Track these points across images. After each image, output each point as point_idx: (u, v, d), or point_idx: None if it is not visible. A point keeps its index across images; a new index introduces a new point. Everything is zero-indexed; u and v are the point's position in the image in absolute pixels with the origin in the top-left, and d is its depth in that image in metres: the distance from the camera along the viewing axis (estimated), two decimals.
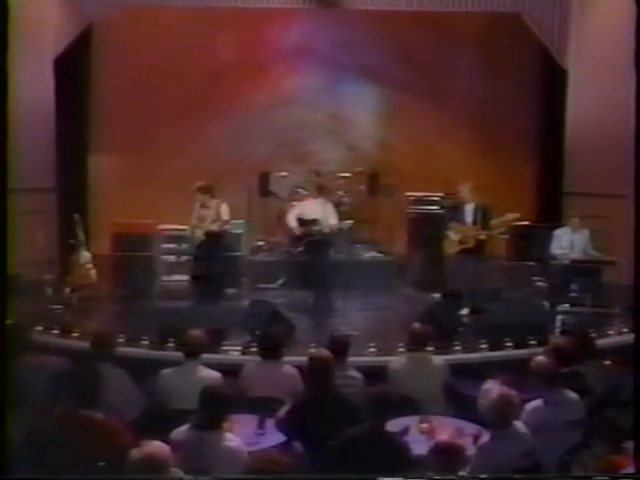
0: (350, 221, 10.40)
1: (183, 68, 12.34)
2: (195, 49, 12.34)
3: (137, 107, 12.21)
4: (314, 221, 10.00)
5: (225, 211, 9.81)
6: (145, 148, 12.46)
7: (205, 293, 9.71)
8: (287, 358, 6.61)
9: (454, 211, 9.98)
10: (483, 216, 9.66)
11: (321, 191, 10.39)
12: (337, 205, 10.88)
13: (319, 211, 10.08)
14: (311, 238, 9.96)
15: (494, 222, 9.74)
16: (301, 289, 10.34)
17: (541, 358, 5.87)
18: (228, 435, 4.89)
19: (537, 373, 5.69)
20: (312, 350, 6.63)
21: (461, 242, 9.68)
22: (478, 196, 9.76)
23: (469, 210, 9.73)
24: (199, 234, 9.72)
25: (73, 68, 11.63)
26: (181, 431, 4.91)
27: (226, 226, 9.91)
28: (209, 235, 9.70)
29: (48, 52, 11.14)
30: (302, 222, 10.13)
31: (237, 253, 10.93)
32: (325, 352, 5.91)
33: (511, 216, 9.80)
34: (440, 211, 11.46)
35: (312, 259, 9.94)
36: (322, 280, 9.93)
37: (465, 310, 9.50)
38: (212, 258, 9.71)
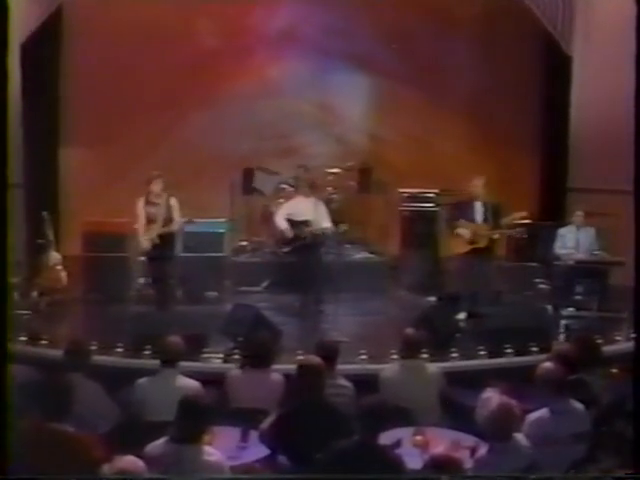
0: (345, 224, 10.32)
1: (160, 55, 12.28)
2: (173, 35, 12.29)
3: (111, 97, 12.15)
4: (305, 222, 9.90)
5: (176, 207, 9.46)
6: (119, 141, 12.42)
7: (163, 297, 9.63)
8: (272, 366, 6.60)
9: (462, 208, 9.89)
10: (494, 214, 9.63)
11: (313, 189, 10.30)
12: (326, 203, 10.86)
13: (310, 211, 9.98)
14: (302, 242, 9.86)
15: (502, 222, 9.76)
16: (287, 292, 10.35)
17: (548, 364, 5.86)
18: (208, 449, 4.87)
19: (544, 380, 5.68)
20: (301, 357, 6.61)
21: (471, 241, 9.62)
22: (489, 192, 9.72)
23: (479, 207, 9.71)
24: (150, 237, 9.34)
25: (41, 54, 11.56)
26: (157, 445, 4.88)
27: (177, 226, 9.61)
28: (162, 237, 9.39)
29: (13, 36, 11.06)
30: (292, 223, 10.01)
31: (219, 254, 10.91)
32: (316, 359, 5.89)
33: (518, 215, 9.80)
34: (436, 209, 11.49)
35: (302, 263, 9.86)
36: (312, 284, 9.88)
37: (462, 314, 9.50)
38: (166, 260, 9.56)
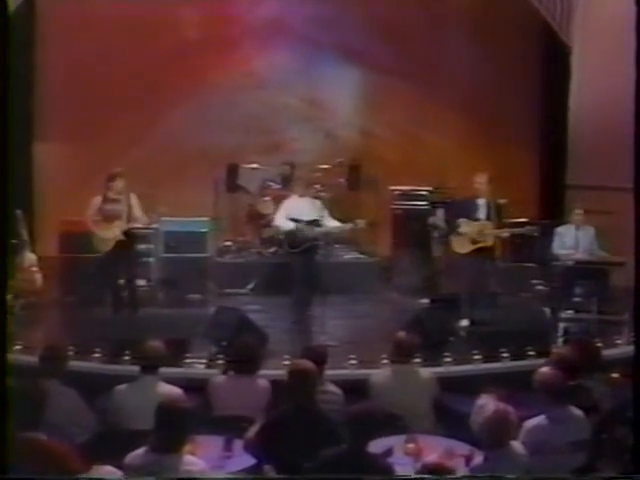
0: (363, 220, 10.14)
1: (140, 45, 12.27)
2: (154, 25, 12.28)
3: (88, 89, 12.13)
4: (315, 222, 9.68)
5: (137, 205, 9.36)
6: (97, 137, 12.38)
7: (124, 301, 9.57)
8: (258, 372, 6.59)
9: (463, 206, 9.78)
10: (497, 212, 9.56)
11: (309, 188, 10.17)
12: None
13: (309, 210, 9.79)
14: (313, 242, 9.68)
15: None
16: (274, 294, 10.33)
17: (546, 369, 5.88)
18: (190, 458, 4.86)
19: (542, 386, 5.69)
20: (291, 361, 6.60)
21: (475, 241, 9.50)
22: (494, 189, 9.65)
23: (482, 205, 9.59)
24: (113, 235, 9.26)
25: (14, 42, 11.49)
26: (137, 455, 4.87)
27: (142, 223, 9.49)
28: (128, 235, 9.31)
29: None
30: (299, 224, 9.70)
31: (202, 254, 10.89)
32: (308, 363, 5.87)
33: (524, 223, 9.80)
34: (428, 207, 11.48)
35: (305, 264, 9.74)
36: (309, 286, 9.77)
37: (465, 321, 9.43)
38: (130, 260, 9.55)
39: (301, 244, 9.65)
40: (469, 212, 9.60)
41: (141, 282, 10.41)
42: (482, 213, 9.55)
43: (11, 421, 4.35)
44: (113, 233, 9.27)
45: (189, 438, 5.00)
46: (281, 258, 10.68)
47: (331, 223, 9.90)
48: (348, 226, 10.09)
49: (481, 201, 9.58)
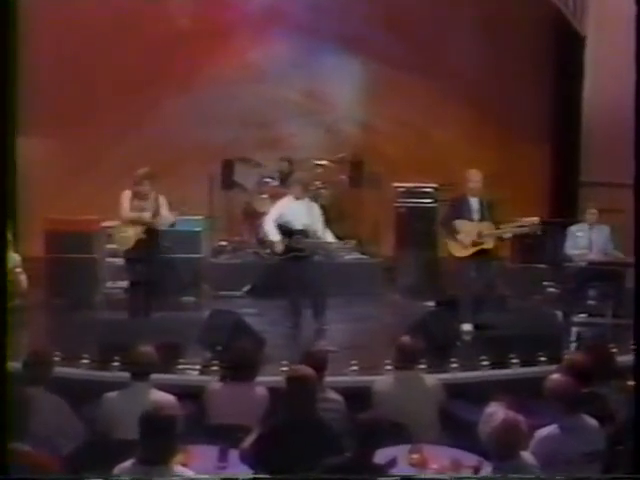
0: (353, 240, 10.06)
1: (131, 35, 12.28)
2: (145, 12, 12.29)
3: (76, 81, 12.14)
4: (304, 232, 9.46)
5: (164, 203, 9.41)
6: (86, 131, 12.39)
7: (144, 303, 9.52)
8: (255, 378, 6.59)
9: (459, 206, 9.66)
10: (490, 211, 9.47)
11: (306, 189, 10.00)
12: (314, 199, 10.73)
13: (304, 215, 9.59)
14: (298, 254, 9.45)
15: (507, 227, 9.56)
16: (271, 297, 10.32)
17: (558, 376, 5.86)
18: (181, 470, 4.84)
19: (554, 394, 5.68)
20: (289, 367, 6.58)
21: (475, 243, 9.42)
22: (493, 188, 9.57)
23: (475, 204, 9.51)
24: (135, 232, 9.29)
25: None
26: (125, 467, 4.85)
27: (167, 221, 9.54)
28: (150, 232, 9.36)
29: None
30: (285, 231, 9.53)
31: (196, 255, 10.88)
32: (307, 369, 5.85)
33: (528, 221, 9.58)
34: (434, 205, 11.46)
35: (297, 269, 9.61)
36: (302, 290, 9.70)
37: (469, 325, 9.41)
38: (152, 260, 9.51)
39: (287, 252, 9.52)
40: (464, 212, 9.53)
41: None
42: (476, 213, 9.48)
43: (12, 421, 4.36)
44: (135, 230, 9.29)
45: (179, 448, 4.97)
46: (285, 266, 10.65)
47: (322, 235, 9.68)
48: (336, 244, 10.02)
49: (474, 200, 9.49)
